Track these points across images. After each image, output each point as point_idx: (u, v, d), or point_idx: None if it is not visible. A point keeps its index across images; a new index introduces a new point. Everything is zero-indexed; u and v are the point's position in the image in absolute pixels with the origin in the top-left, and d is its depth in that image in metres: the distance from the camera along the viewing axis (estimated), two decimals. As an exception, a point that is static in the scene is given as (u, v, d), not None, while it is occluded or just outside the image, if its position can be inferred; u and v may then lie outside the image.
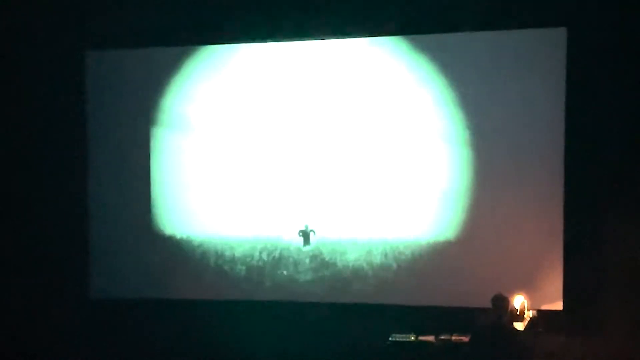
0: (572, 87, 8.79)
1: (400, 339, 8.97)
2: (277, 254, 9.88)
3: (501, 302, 7.92)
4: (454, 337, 8.81)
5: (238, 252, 9.97)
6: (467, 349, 8.22)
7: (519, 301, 8.49)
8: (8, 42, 10.19)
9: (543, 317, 8.66)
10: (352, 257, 9.64)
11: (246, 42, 9.83)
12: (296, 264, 9.83)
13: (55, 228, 10.29)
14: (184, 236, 10.13)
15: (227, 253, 10.00)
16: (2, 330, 10.17)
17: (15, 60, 10.20)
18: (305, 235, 9.75)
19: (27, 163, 10.31)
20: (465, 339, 8.50)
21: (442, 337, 8.85)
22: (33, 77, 10.20)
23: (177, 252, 10.15)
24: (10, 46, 10.20)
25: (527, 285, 8.72)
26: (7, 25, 10.14)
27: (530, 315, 8.51)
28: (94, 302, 10.27)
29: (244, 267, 9.96)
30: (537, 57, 8.91)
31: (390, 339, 8.99)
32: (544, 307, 8.83)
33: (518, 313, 8.43)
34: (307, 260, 9.79)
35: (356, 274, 9.62)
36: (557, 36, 8.82)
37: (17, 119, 10.28)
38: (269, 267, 9.91)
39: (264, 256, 9.91)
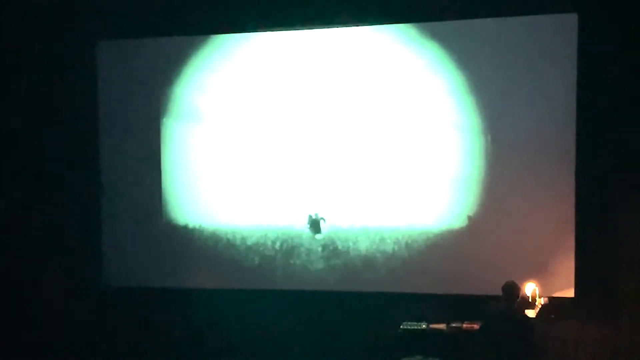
0: (583, 73, 8.74)
1: (412, 327, 8.98)
2: (289, 243, 9.89)
3: (512, 290, 7.90)
4: (465, 325, 8.81)
5: (250, 242, 9.98)
6: (478, 337, 8.20)
7: (530, 288, 8.49)
8: (20, 33, 10.22)
9: (555, 305, 8.67)
10: (364, 245, 9.65)
11: (256, 32, 9.83)
12: (308, 252, 9.84)
13: (69, 218, 10.37)
14: (196, 226, 10.16)
15: (239, 242, 10.02)
16: (18, 317, 10.26)
17: (27, 51, 10.25)
18: (315, 223, 9.75)
19: (38, 154, 10.37)
20: (477, 326, 8.50)
21: (454, 325, 8.85)
22: (45, 68, 10.24)
23: (190, 241, 10.19)
24: (22, 37, 10.23)
25: (538, 273, 8.74)
26: (19, 17, 10.18)
27: (542, 303, 8.51)
28: (107, 291, 10.34)
29: (256, 257, 9.98)
30: (548, 44, 8.86)
31: (401, 327, 9.00)
32: (556, 294, 8.82)
33: (530, 300, 8.44)
34: (319, 249, 9.80)
35: (368, 262, 9.63)
36: (569, 22, 8.76)
37: (29, 109, 10.33)
38: (281, 256, 9.92)
39: (276, 245, 9.93)
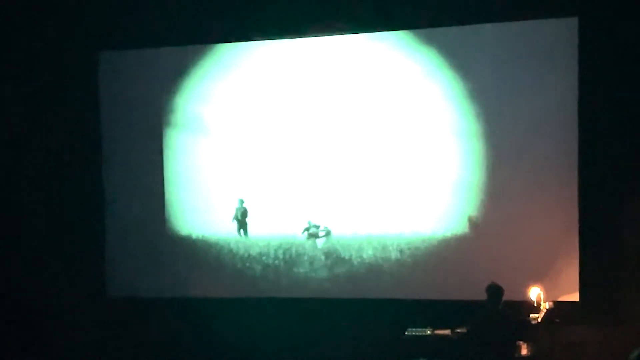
0: (584, 77, 8.76)
1: (417, 333, 8.95)
2: (292, 251, 9.89)
3: (495, 291, 7.87)
4: (470, 330, 8.78)
5: (253, 251, 9.99)
6: (466, 340, 8.14)
7: (535, 293, 8.48)
8: (23, 43, 10.27)
9: (560, 309, 8.63)
10: (368, 253, 9.64)
11: (258, 40, 9.85)
12: (311, 261, 9.84)
13: (72, 228, 10.37)
14: (200, 236, 10.17)
15: (243, 252, 10.03)
16: (21, 327, 10.24)
17: (29, 61, 10.28)
18: (312, 234, 9.76)
19: (41, 164, 10.38)
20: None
21: (459, 331, 8.81)
22: (47, 78, 10.27)
23: (193, 251, 10.20)
24: (25, 47, 10.27)
25: (543, 277, 8.75)
26: (22, 27, 10.22)
27: (547, 307, 8.49)
28: (110, 301, 10.35)
29: (259, 266, 9.98)
30: (548, 48, 8.87)
31: (406, 333, 8.98)
32: (561, 298, 8.81)
33: (535, 305, 8.43)
34: (323, 257, 9.79)
35: (371, 269, 9.63)
36: (569, 26, 8.78)
37: (31, 119, 10.34)
38: (284, 264, 9.92)
39: (280, 254, 9.92)
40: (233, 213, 9.96)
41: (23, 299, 10.31)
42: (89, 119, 10.30)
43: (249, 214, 9.93)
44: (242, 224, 9.95)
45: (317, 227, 9.73)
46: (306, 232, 9.79)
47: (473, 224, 9.28)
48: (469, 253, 9.24)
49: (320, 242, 9.78)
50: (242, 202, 9.93)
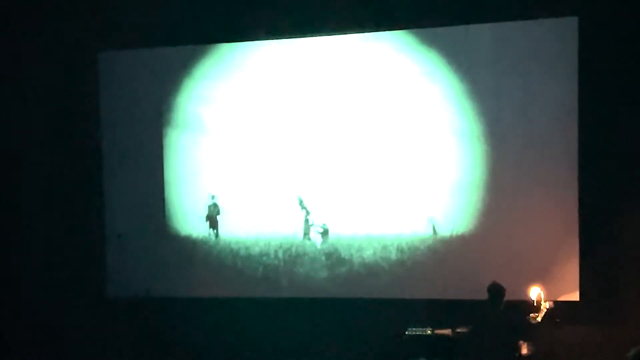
0: (584, 77, 8.77)
1: (417, 333, 8.96)
2: (292, 251, 9.89)
3: (497, 291, 7.87)
4: (470, 330, 8.78)
5: (254, 251, 9.99)
6: (468, 340, 8.14)
7: (535, 293, 8.49)
8: (23, 44, 10.26)
9: (560, 308, 8.64)
10: (368, 253, 9.64)
11: (258, 40, 9.86)
12: (312, 261, 9.84)
13: (72, 229, 10.37)
14: (200, 236, 10.16)
15: (243, 252, 10.03)
16: (21, 328, 10.23)
17: (29, 61, 10.26)
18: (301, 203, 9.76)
19: (41, 164, 10.37)
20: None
21: (459, 331, 8.82)
22: (47, 79, 10.26)
23: (194, 251, 10.19)
24: (25, 48, 10.27)
25: (543, 277, 8.76)
26: (22, 27, 10.22)
27: (547, 307, 8.49)
28: (112, 301, 10.35)
29: (260, 266, 9.98)
30: (548, 48, 8.88)
31: (406, 332, 8.99)
32: (561, 298, 8.82)
33: (535, 305, 8.43)
34: (323, 257, 9.79)
35: (372, 269, 9.63)
36: (569, 26, 8.79)
37: (32, 120, 10.35)
38: (285, 264, 9.92)
39: (280, 254, 9.92)
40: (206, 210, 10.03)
41: (23, 299, 10.32)
42: (89, 119, 10.31)
43: (221, 212, 9.98)
44: (213, 222, 9.95)
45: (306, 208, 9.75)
46: (304, 211, 9.77)
47: (474, 224, 9.30)
48: (470, 253, 9.24)
49: (318, 242, 9.77)
50: (213, 197, 9.93)
